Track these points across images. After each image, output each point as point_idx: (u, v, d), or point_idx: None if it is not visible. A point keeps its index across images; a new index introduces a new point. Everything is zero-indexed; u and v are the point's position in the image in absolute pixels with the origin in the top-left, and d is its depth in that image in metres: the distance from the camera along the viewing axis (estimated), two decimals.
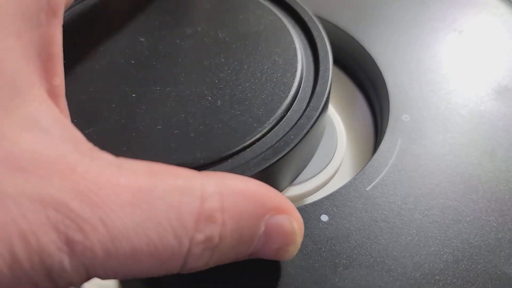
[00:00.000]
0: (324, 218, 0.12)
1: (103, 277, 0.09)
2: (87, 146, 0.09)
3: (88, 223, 0.08)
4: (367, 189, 0.13)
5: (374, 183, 0.13)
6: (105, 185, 0.09)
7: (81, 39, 0.15)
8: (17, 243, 0.08)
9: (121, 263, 0.08)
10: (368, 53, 0.17)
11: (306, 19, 0.15)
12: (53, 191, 0.08)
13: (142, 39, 0.15)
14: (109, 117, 0.13)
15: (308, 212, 0.13)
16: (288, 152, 0.12)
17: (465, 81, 0.16)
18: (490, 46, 0.17)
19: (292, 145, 0.12)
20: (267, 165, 0.12)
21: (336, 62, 0.18)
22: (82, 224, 0.08)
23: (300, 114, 0.13)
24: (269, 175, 0.12)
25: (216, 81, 0.14)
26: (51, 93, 0.10)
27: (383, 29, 0.18)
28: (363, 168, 0.13)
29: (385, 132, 0.14)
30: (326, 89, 0.13)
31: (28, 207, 0.08)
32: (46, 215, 0.08)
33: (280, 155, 0.12)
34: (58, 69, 0.11)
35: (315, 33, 0.15)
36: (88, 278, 0.09)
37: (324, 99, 0.13)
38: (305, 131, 0.13)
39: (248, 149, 0.12)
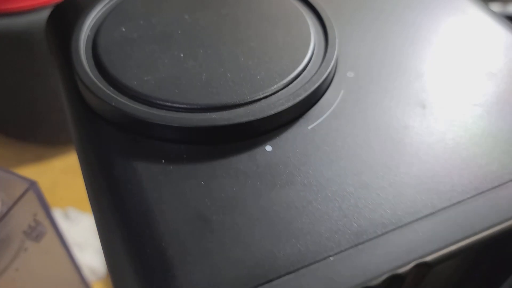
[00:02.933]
0: (269, 148, 0.16)
1: None
2: None
3: None
4: (308, 127, 0.16)
5: (314, 124, 0.16)
6: None
7: (142, 15, 0.19)
8: None
9: None
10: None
11: (315, 5, 0.19)
12: None
13: (187, 17, 0.19)
14: (163, 69, 0.17)
15: (255, 143, 0.16)
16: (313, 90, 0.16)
17: (412, 47, 0.20)
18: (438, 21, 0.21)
19: (314, 87, 0.16)
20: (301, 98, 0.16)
21: None
22: None
23: (315, 71, 0.17)
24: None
25: (247, 47, 0.17)
26: None
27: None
28: (307, 112, 0.17)
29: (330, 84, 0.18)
30: (334, 55, 0.17)
31: None
32: None
33: (309, 92, 0.16)
34: None
35: (323, 16, 0.19)
36: None
37: (332, 62, 0.17)
38: (320, 82, 0.16)
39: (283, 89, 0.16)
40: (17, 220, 0.20)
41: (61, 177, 0.47)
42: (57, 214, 0.44)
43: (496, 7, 0.44)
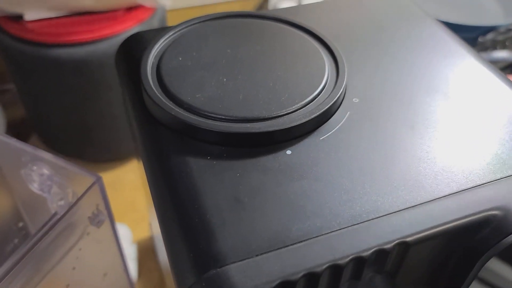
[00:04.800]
0: (289, 152, 0.20)
1: None
2: None
3: None
4: (320, 139, 0.21)
5: (325, 136, 0.21)
6: None
7: (194, 48, 0.24)
8: None
9: None
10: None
11: (330, 45, 0.24)
12: None
13: (229, 50, 0.24)
14: (210, 89, 0.22)
15: (279, 147, 0.20)
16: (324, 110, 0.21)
17: (407, 82, 0.24)
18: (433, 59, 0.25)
19: (326, 108, 0.21)
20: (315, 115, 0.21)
21: None
22: None
23: (327, 96, 0.22)
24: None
25: (275, 75, 0.22)
26: None
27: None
28: (320, 127, 0.21)
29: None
30: (343, 84, 0.22)
31: None
32: None
33: (321, 111, 0.21)
34: None
35: (336, 54, 0.24)
36: None
37: (341, 89, 0.22)
38: (330, 104, 0.21)
39: (301, 108, 0.21)
40: (84, 208, 0.25)
41: None
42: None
43: (504, 53, 0.49)
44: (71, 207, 0.23)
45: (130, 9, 0.46)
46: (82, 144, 0.51)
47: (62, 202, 0.25)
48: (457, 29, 0.53)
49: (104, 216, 0.26)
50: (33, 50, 0.42)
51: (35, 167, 0.26)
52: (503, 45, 0.45)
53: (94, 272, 0.29)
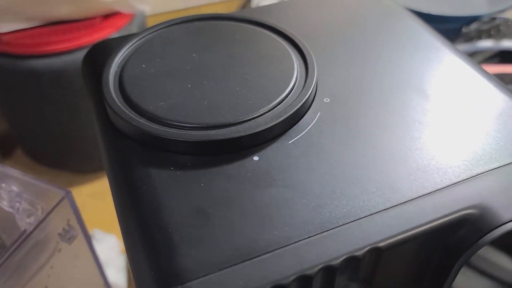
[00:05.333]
0: (256, 158, 0.19)
1: None
2: None
3: None
4: (289, 142, 0.20)
5: (294, 139, 0.20)
6: None
7: (158, 55, 0.23)
8: None
9: None
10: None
11: (300, 44, 0.23)
12: None
13: (195, 55, 0.23)
14: (174, 97, 0.21)
15: (245, 154, 0.20)
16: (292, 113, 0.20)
17: (382, 78, 0.23)
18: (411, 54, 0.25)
19: (294, 110, 0.20)
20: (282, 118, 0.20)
21: None
22: None
23: (297, 96, 0.21)
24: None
25: (242, 79, 0.22)
26: None
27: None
28: (289, 130, 0.21)
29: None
30: (312, 85, 0.21)
31: None
32: None
33: (289, 114, 0.20)
34: None
35: (305, 52, 0.23)
36: None
37: (311, 89, 0.21)
38: (299, 105, 0.20)
39: (268, 112, 0.20)
40: (53, 224, 0.24)
41: (89, 201, 0.51)
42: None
43: (489, 42, 0.48)
44: (38, 224, 0.23)
45: (107, 16, 0.45)
46: (67, 155, 0.50)
47: (31, 219, 0.24)
48: (440, 20, 0.52)
49: (76, 231, 0.25)
50: (9, 63, 0.42)
51: (3, 185, 0.25)
52: (488, 35, 0.45)
53: None
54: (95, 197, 0.53)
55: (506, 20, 0.51)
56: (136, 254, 0.18)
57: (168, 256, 0.17)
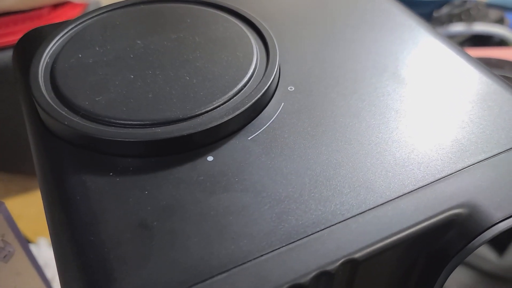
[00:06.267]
0: (210, 158, 0.17)
1: None
2: None
3: None
4: (248, 138, 0.17)
5: (254, 135, 0.17)
6: None
7: (98, 42, 0.20)
8: None
9: None
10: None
11: (259, 26, 0.21)
12: None
13: (139, 42, 0.20)
14: (113, 90, 0.18)
15: (198, 154, 0.17)
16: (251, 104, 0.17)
17: (352, 63, 0.21)
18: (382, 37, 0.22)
19: (253, 101, 0.17)
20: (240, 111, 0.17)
21: None
22: None
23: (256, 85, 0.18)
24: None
25: (193, 68, 0.19)
26: None
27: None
28: (248, 124, 0.18)
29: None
30: (273, 72, 0.19)
31: None
32: None
33: (247, 105, 0.17)
34: None
35: (266, 36, 0.20)
36: None
37: (272, 77, 0.18)
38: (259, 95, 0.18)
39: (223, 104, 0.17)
40: None
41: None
42: (43, 243, 0.45)
43: (460, 26, 0.46)
44: None
45: (57, 6, 0.41)
46: (19, 157, 0.47)
47: None
48: (411, 4, 0.50)
49: (13, 247, 0.22)
50: None
51: None
52: (459, 19, 0.43)
53: None
54: None
55: (477, 4, 0.49)
56: (69, 278, 0.15)
57: (104, 280, 0.14)
